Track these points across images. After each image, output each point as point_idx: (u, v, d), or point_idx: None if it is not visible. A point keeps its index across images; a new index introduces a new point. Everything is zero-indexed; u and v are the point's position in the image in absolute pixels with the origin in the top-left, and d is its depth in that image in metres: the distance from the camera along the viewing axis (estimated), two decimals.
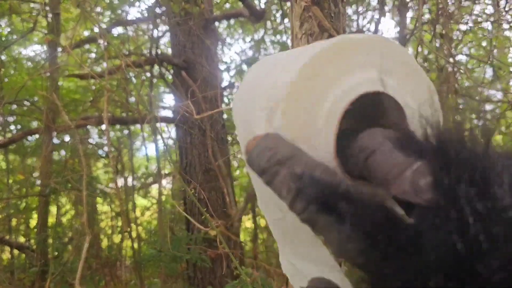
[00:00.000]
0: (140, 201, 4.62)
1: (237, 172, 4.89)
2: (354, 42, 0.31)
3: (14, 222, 4.52)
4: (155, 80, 4.17)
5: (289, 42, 3.89)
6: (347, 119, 0.31)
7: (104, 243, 4.26)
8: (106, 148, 3.53)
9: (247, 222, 4.54)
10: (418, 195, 0.21)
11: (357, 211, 0.22)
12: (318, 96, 0.30)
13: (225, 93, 3.94)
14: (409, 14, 3.31)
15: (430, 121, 0.23)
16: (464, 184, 0.19)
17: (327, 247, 0.31)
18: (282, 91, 0.30)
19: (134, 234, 3.60)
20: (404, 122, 0.31)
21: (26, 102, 3.89)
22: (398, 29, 3.18)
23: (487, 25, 3.30)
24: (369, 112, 0.33)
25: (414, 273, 0.19)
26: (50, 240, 3.55)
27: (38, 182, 3.83)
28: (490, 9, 3.25)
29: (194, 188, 1.47)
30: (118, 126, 4.22)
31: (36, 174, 4.15)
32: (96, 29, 3.62)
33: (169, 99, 7.24)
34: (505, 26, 2.97)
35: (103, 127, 4.18)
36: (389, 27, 10.51)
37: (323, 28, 1.03)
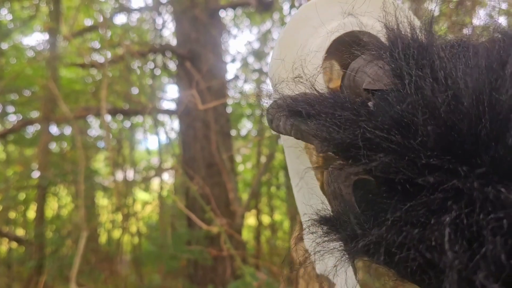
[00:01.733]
0: (141, 195, 4.53)
1: (241, 167, 4.79)
2: None
3: (12, 214, 4.44)
4: (158, 71, 4.06)
5: None
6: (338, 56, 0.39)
7: (104, 237, 4.17)
8: (106, 140, 3.43)
9: (250, 219, 4.44)
10: (379, 81, 0.27)
11: (314, 104, 0.28)
12: (307, 35, 0.38)
13: (230, 85, 3.83)
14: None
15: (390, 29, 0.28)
16: (412, 69, 0.24)
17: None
18: (282, 32, 0.38)
19: (133, 229, 3.51)
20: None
21: (26, 91, 3.79)
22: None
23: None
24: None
25: (376, 125, 0.24)
26: (49, 233, 3.47)
27: (36, 174, 3.75)
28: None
29: (198, 183, 1.37)
30: (121, 117, 4.12)
31: (34, 165, 4.06)
32: (98, 17, 3.52)
33: (172, 91, 7.14)
34: None
35: (104, 118, 4.08)
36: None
37: None
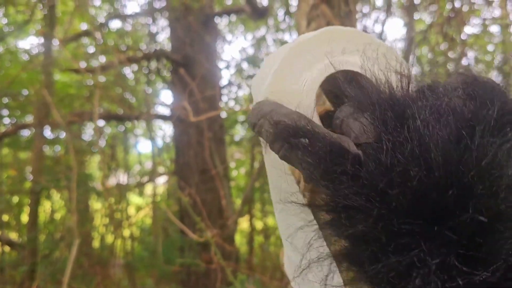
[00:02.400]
0: (135, 199, 4.53)
1: (235, 173, 4.80)
2: (338, 31, 0.39)
3: (5, 217, 4.43)
4: (152, 77, 4.08)
5: (291, 40, 3.80)
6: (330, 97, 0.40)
7: (97, 241, 4.17)
8: (99, 145, 3.44)
9: (243, 224, 4.46)
10: (364, 135, 0.29)
11: (314, 144, 0.29)
12: (302, 68, 0.37)
13: (224, 92, 3.85)
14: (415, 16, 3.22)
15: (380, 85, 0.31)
16: (390, 133, 0.26)
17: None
18: (273, 65, 0.38)
19: (127, 234, 3.51)
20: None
21: (20, 95, 3.79)
22: (405, 30, 3.09)
23: (494, 29, 3.22)
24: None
25: (357, 191, 0.26)
26: (42, 238, 3.47)
27: (30, 178, 3.74)
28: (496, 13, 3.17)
29: (189, 193, 1.39)
30: (114, 122, 4.13)
31: (28, 169, 4.06)
32: (92, 22, 3.53)
33: (166, 96, 7.15)
34: None
35: (98, 123, 4.09)
36: (395, 28, 10.48)
37: None
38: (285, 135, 0.30)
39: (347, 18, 0.96)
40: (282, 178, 0.38)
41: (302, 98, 0.36)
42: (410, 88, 0.31)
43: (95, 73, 2.40)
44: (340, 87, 0.34)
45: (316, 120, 0.35)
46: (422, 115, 0.27)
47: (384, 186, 0.25)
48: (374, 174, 0.26)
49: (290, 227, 0.40)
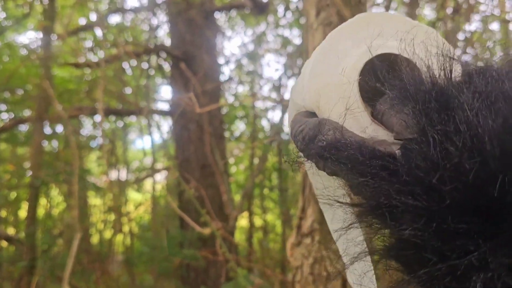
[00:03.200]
0: (134, 195, 4.52)
1: (234, 169, 4.79)
2: (374, 16, 0.38)
3: (3, 213, 4.41)
4: (152, 72, 4.06)
5: (291, 36, 3.78)
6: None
7: (95, 237, 4.16)
8: (99, 140, 3.42)
9: (242, 221, 4.45)
10: (405, 130, 0.27)
11: (347, 152, 0.29)
12: (341, 55, 0.36)
13: (224, 87, 3.83)
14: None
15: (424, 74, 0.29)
16: (436, 125, 0.25)
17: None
18: (311, 60, 0.38)
19: (126, 229, 3.50)
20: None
21: (19, 90, 3.77)
22: None
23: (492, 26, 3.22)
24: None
25: (399, 188, 0.25)
26: (40, 234, 3.45)
27: (29, 173, 3.72)
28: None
29: (193, 186, 1.38)
30: (114, 117, 4.11)
31: (27, 164, 4.04)
32: (92, 16, 3.51)
33: (166, 92, 7.12)
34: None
35: (97, 118, 4.07)
36: None
37: (343, 18, 0.93)
38: (319, 152, 0.31)
39: (357, 7, 0.96)
40: (330, 181, 0.38)
41: (346, 90, 0.35)
42: (454, 74, 0.29)
43: (99, 65, 2.38)
44: (379, 77, 0.32)
45: (364, 115, 0.34)
46: (471, 103, 0.25)
47: (435, 182, 0.23)
48: (419, 169, 0.24)
49: (337, 221, 0.39)
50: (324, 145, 0.31)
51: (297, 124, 0.36)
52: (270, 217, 4.59)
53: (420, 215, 0.23)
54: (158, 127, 3.59)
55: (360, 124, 0.33)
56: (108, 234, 4.09)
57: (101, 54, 3.57)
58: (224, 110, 3.71)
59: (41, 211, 3.87)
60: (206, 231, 3.21)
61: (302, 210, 0.90)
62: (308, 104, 0.38)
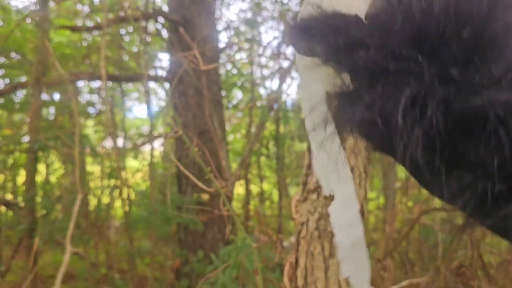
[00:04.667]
0: (131, 162, 4.54)
1: (231, 137, 4.82)
2: None
3: (1, 179, 4.43)
4: (150, 38, 4.01)
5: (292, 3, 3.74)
6: None
7: (93, 203, 4.19)
8: (99, 106, 3.41)
9: (238, 189, 4.50)
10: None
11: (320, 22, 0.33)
12: None
13: (222, 54, 3.81)
14: None
15: None
16: None
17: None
18: None
19: (124, 195, 3.54)
20: None
21: (14, 55, 3.72)
22: None
23: None
24: None
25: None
26: (38, 198, 3.48)
27: (26, 139, 3.72)
28: None
29: (197, 145, 1.40)
30: (110, 84, 4.08)
31: (24, 130, 4.03)
32: None
33: (164, 58, 7.05)
34: None
35: (95, 84, 4.05)
36: None
37: None
38: (298, 32, 0.35)
39: None
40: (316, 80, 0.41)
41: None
42: None
43: (99, 29, 2.36)
44: None
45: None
46: None
47: (391, 23, 0.28)
48: (380, 15, 0.30)
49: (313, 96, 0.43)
50: (301, 22, 0.35)
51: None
52: (266, 186, 4.65)
53: (373, 46, 0.28)
54: (156, 94, 3.59)
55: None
56: (106, 200, 4.13)
57: (97, 19, 3.52)
58: (223, 76, 3.69)
59: (39, 178, 3.89)
60: (205, 196, 3.26)
61: (308, 167, 0.92)
62: None
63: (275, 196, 4.33)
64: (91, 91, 4.21)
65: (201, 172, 2.35)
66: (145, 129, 4.96)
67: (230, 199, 3.39)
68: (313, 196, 0.90)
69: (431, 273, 1.46)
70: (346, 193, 0.46)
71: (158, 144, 4.23)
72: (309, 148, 0.92)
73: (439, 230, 1.61)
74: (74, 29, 3.26)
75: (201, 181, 3.34)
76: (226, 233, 2.66)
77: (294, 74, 3.78)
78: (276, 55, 3.67)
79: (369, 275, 0.45)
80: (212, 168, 1.55)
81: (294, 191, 4.20)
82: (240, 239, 2.47)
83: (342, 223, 0.45)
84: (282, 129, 3.83)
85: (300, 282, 0.91)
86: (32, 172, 3.29)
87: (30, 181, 3.30)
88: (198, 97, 3.23)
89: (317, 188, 0.88)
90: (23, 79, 3.93)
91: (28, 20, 3.52)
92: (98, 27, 2.83)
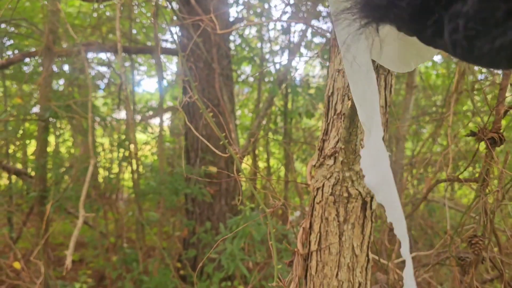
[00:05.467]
0: (140, 135, 4.57)
1: (238, 113, 4.83)
2: None
3: (11, 149, 4.48)
4: (160, 11, 3.98)
5: None
6: None
7: (102, 175, 4.25)
8: (107, 78, 3.42)
9: (244, 165, 4.53)
10: None
11: None
12: None
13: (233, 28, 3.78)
14: None
15: None
16: None
17: None
18: None
19: (133, 166, 3.58)
20: None
21: (23, 24, 3.72)
22: None
23: None
24: None
25: None
26: (49, 166, 3.53)
27: (36, 109, 3.75)
28: None
29: (212, 110, 1.41)
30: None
31: (34, 100, 4.06)
32: None
33: (174, 31, 7.01)
34: None
35: (103, 56, 4.05)
36: None
37: None
38: None
39: None
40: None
41: None
42: None
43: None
44: None
45: None
46: None
47: None
48: None
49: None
50: None
51: None
52: (273, 161, 4.68)
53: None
54: (166, 66, 3.58)
55: None
56: (115, 170, 4.18)
57: None
58: (233, 51, 3.68)
59: (49, 149, 3.94)
60: (213, 168, 3.29)
61: (325, 133, 0.91)
62: None
63: (282, 171, 4.37)
64: (100, 63, 4.22)
65: (208, 148, 2.37)
66: (153, 103, 4.98)
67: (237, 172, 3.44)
68: (330, 162, 0.90)
69: (439, 245, 1.49)
70: (376, 122, 0.51)
71: (167, 117, 4.26)
72: (326, 113, 0.93)
73: (448, 206, 1.64)
74: None
75: (209, 154, 3.37)
76: (238, 201, 2.70)
77: (303, 50, 3.76)
78: (286, 29, 3.65)
79: (400, 207, 0.48)
80: (226, 134, 1.57)
81: (300, 167, 4.23)
82: (248, 209, 2.52)
83: (374, 155, 0.50)
84: (289, 105, 3.84)
85: (313, 247, 0.92)
86: (43, 140, 3.33)
87: (41, 149, 3.34)
88: (208, 70, 3.24)
89: (334, 153, 0.88)
90: (33, 50, 3.94)
91: None
92: None
